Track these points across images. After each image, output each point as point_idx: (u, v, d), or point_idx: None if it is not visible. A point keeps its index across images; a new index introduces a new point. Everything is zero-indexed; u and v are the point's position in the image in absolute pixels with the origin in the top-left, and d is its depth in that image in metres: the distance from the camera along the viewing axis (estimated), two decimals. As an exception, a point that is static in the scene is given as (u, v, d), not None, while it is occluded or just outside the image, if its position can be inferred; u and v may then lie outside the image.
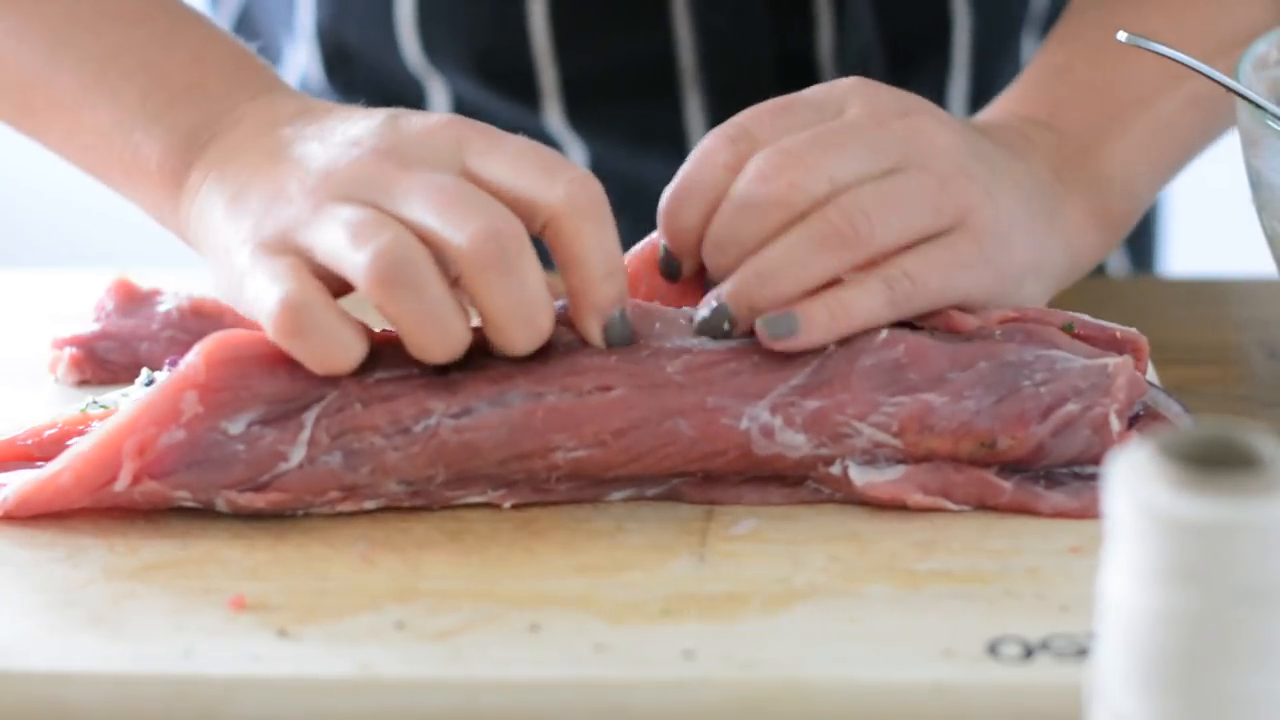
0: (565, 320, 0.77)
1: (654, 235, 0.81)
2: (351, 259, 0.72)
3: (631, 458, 0.76)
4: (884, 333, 0.76)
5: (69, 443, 0.77)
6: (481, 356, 0.76)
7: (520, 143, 0.76)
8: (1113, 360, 0.77)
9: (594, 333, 0.76)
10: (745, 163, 0.77)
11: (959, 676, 0.67)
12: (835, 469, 0.76)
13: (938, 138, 0.78)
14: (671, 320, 0.78)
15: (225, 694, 0.67)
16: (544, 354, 0.76)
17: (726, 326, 0.76)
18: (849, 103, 0.79)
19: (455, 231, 0.72)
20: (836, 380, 0.76)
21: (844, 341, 0.76)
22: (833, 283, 0.76)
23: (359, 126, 0.77)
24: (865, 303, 0.76)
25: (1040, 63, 0.90)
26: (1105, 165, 0.86)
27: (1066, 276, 0.84)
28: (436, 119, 0.77)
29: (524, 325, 0.74)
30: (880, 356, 0.76)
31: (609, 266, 0.75)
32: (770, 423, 0.75)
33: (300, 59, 1.12)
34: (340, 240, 0.73)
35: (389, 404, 0.75)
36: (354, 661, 0.68)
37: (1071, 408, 0.76)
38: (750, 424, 0.75)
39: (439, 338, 0.73)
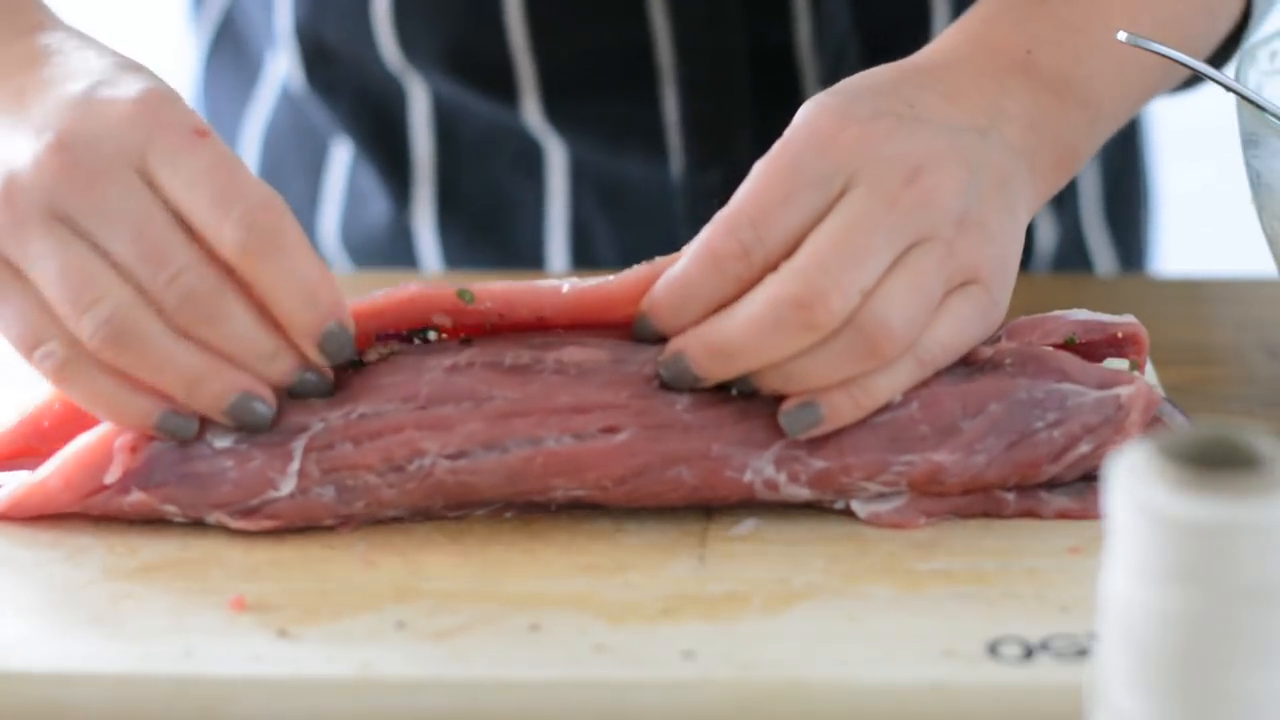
0: (576, 340, 0.76)
1: (653, 267, 0.77)
2: (76, 323, 0.73)
3: (633, 500, 0.75)
4: (897, 396, 0.75)
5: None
6: (478, 385, 0.75)
7: (203, 160, 0.74)
8: (1125, 390, 0.76)
9: (312, 355, 0.74)
10: (756, 271, 0.75)
11: (959, 676, 0.67)
12: (839, 505, 0.76)
13: (943, 197, 0.76)
14: None
15: (225, 694, 0.67)
16: (547, 385, 0.75)
17: (734, 392, 0.75)
18: (854, 172, 0.76)
19: (159, 280, 0.73)
20: (845, 435, 0.75)
21: None
22: None
23: (51, 104, 0.75)
24: (893, 384, 0.75)
25: None
26: (1073, 109, 0.84)
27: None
28: (128, 103, 0.75)
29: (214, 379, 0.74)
30: (894, 414, 0.75)
31: (303, 296, 0.73)
32: (775, 478, 0.75)
33: (281, 65, 1.12)
34: (60, 293, 0.73)
35: (379, 441, 0.74)
36: (354, 661, 0.68)
37: (1084, 449, 0.76)
38: (754, 477, 0.75)
39: (182, 380, 0.73)
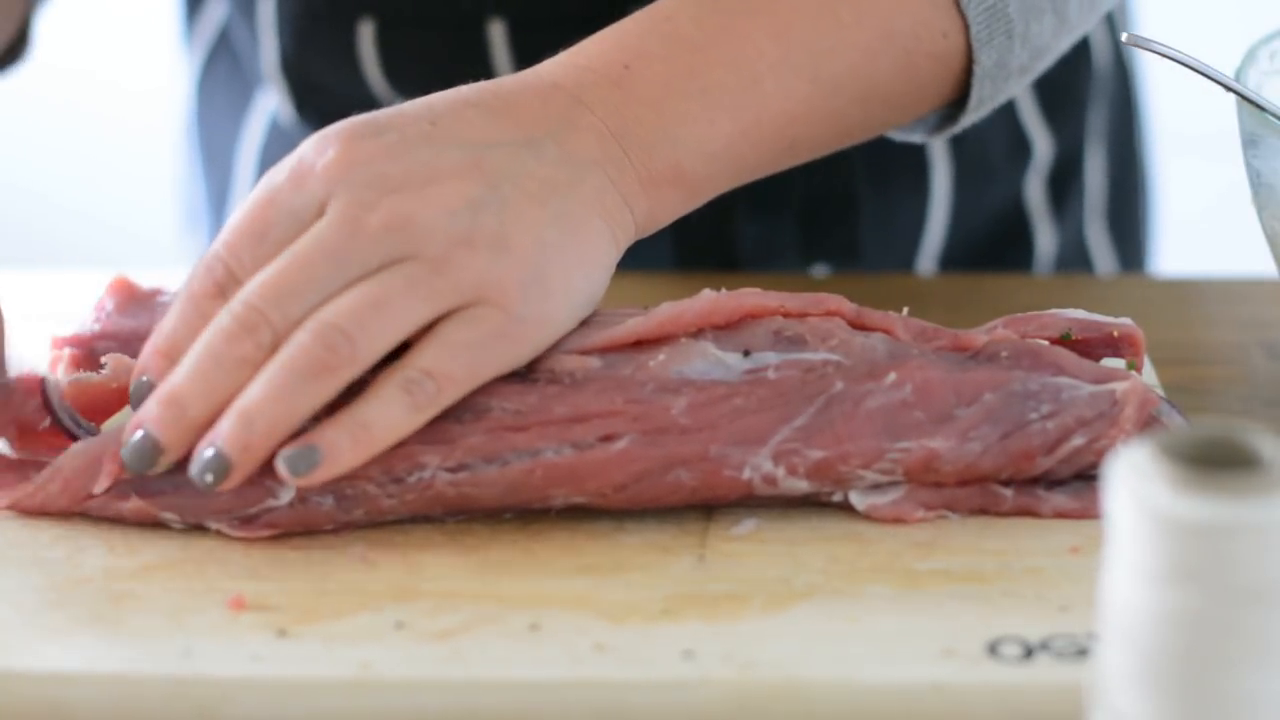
0: (575, 349, 0.76)
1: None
2: None
3: (632, 504, 0.75)
4: (892, 375, 0.75)
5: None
6: (476, 396, 0.75)
7: None
8: (1120, 386, 0.76)
9: None
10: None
11: (959, 676, 0.67)
12: (836, 497, 0.76)
13: (423, 215, 0.74)
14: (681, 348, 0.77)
15: (225, 694, 0.67)
16: (544, 395, 0.75)
17: (220, 474, 0.72)
18: (327, 199, 0.74)
19: None
20: (840, 423, 0.75)
21: (850, 379, 0.75)
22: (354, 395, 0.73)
23: None
24: (386, 415, 0.72)
25: (647, 10, 0.83)
26: (675, 122, 0.80)
27: (628, 242, 0.79)
28: None
29: None
30: (888, 397, 0.75)
31: None
32: (773, 473, 0.75)
33: (271, 99, 1.11)
34: None
35: (379, 453, 0.74)
36: (354, 661, 0.68)
37: (1077, 441, 0.76)
38: (752, 474, 0.75)
39: None
